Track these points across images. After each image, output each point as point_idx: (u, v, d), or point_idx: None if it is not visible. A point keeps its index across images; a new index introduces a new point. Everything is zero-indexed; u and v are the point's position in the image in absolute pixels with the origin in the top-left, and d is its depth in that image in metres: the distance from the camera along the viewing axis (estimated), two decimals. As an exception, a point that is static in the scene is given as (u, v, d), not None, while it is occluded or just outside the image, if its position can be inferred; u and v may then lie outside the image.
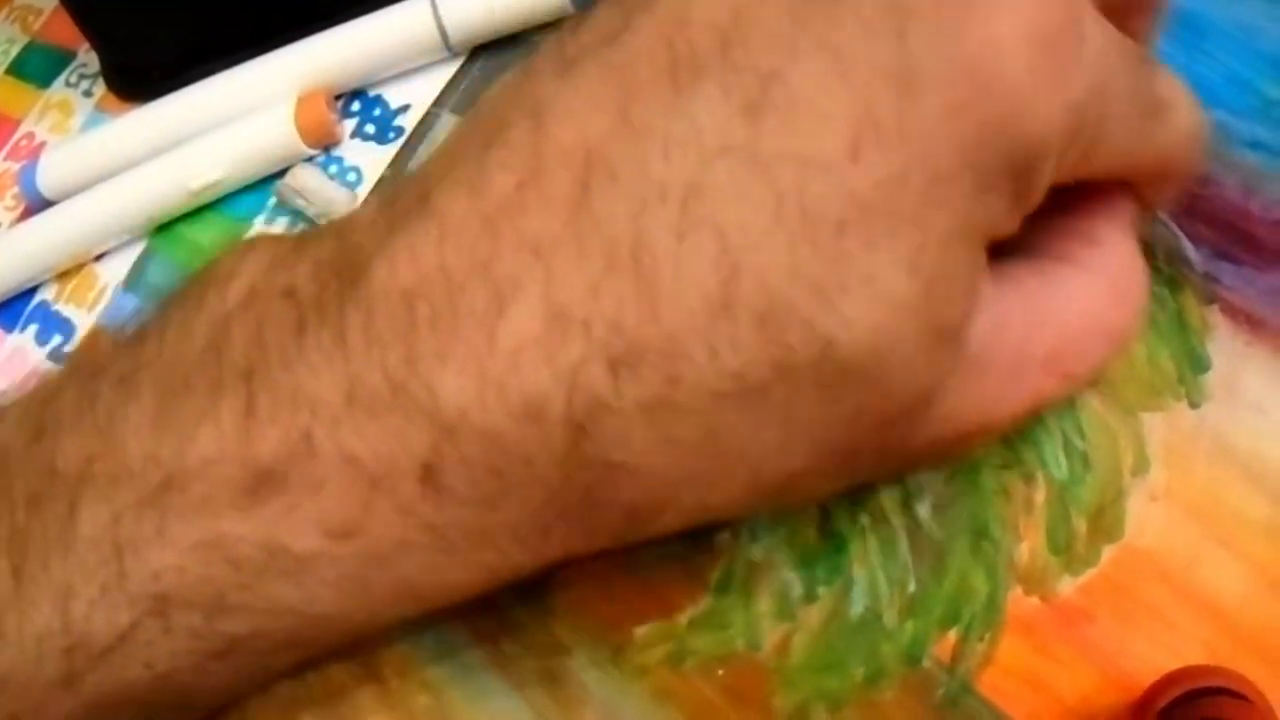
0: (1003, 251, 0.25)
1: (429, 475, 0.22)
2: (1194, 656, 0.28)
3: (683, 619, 0.31)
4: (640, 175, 0.21)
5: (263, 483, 0.23)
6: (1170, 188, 0.28)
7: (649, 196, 0.21)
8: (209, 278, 0.26)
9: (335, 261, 0.24)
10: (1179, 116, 0.26)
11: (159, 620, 0.23)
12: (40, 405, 0.26)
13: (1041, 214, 0.25)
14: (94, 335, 0.26)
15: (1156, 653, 0.29)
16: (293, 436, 0.22)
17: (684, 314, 0.20)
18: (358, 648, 0.27)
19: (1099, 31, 0.22)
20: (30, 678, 0.24)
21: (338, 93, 0.45)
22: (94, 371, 0.26)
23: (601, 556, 0.26)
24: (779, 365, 0.21)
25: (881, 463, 0.25)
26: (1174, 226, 0.33)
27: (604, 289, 0.21)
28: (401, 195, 0.24)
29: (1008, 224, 0.23)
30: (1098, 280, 0.26)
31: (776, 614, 0.30)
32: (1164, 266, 0.32)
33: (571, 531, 0.24)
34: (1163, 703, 0.27)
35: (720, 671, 0.30)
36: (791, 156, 0.20)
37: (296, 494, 0.22)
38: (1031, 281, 0.25)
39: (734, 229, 0.20)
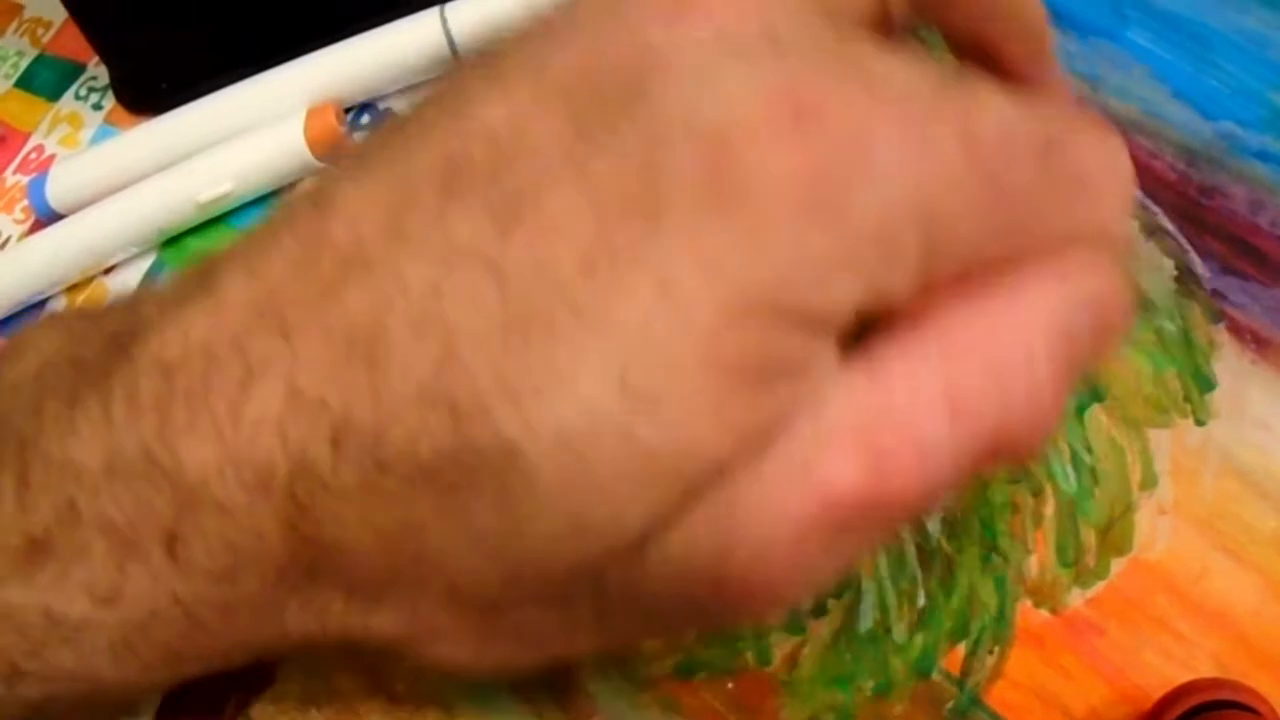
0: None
1: (172, 545, 0.22)
2: (1203, 669, 0.29)
3: (692, 631, 0.30)
4: (392, 273, 0.21)
5: (37, 551, 0.23)
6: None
7: (395, 293, 0.21)
8: (9, 350, 0.26)
9: (120, 333, 0.24)
10: (1111, 185, 0.23)
11: None
12: None
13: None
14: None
15: (1166, 665, 0.29)
16: (60, 505, 0.22)
17: (398, 402, 0.20)
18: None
19: (901, 153, 0.20)
20: None
21: (347, 105, 0.45)
22: None
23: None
24: (464, 465, 0.20)
25: (613, 614, 0.23)
26: (1183, 240, 0.33)
27: (340, 374, 0.21)
28: (196, 270, 0.24)
29: (810, 342, 0.21)
30: (944, 353, 0.22)
31: (786, 627, 0.30)
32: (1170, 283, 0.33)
33: (304, 613, 0.23)
34: (1172, 716, 0.27)
35: (729, 684, 0.30)
36: (527, 265, 0.20)
37: (65, 561, 0.23)
38: (897, 364, 0.22)
39: (460, 329, 0.20)
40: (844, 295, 0.20)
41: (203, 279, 0.23)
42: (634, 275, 0.20)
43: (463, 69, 0.23)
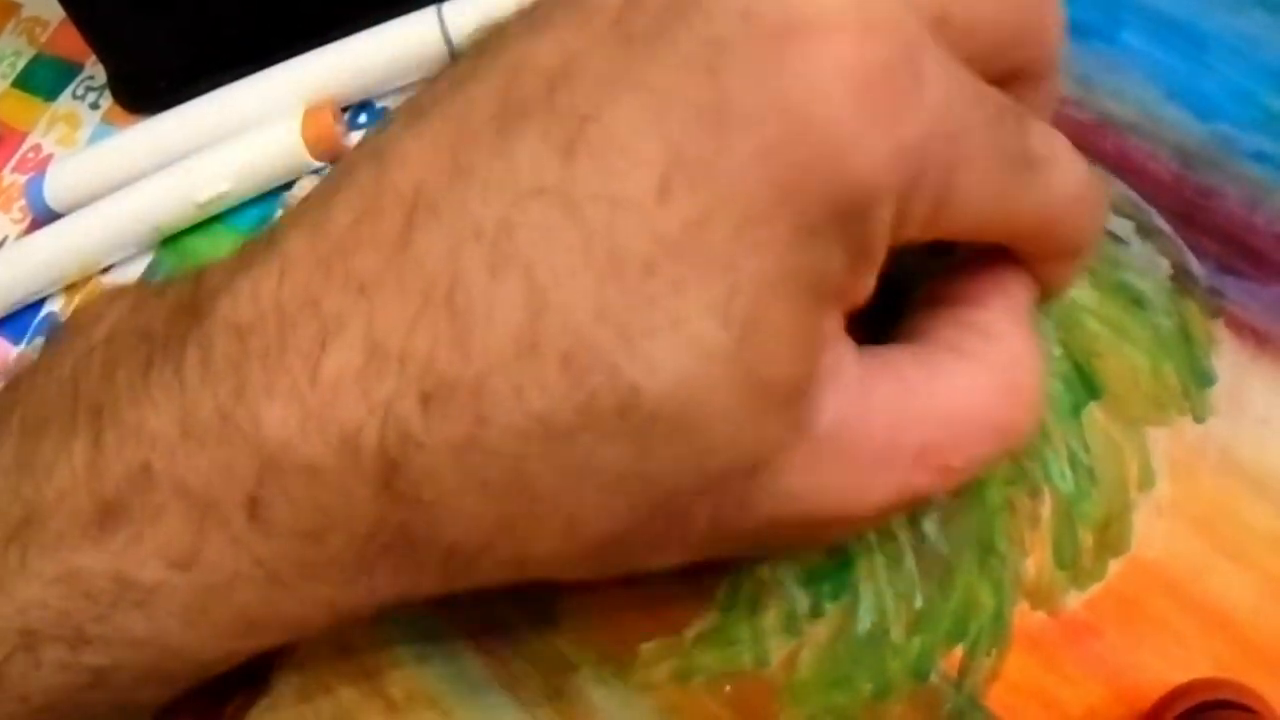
0: (888, 338, 0.25)
1: (255, 507, 0.22)
2: (1202, 669, 0.28)
3: (689, 635, 0.30)
4: (459, 215, 0.21)
5: (109, 515, 0.23)
6: (1063, 264, 0.27)
7: (466, 235, 0.20)
8: (76, 322, 0.26)
9: (188, 303, 0.24)
10: (1058, 175, 0.24)
11: (29, 655, 0.23)
12: None
13: (936, 302, 0.26)
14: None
15: (1164, 666, 0.28)
16: (134, 469, 0.22)
17: (492, 352, 0.20)
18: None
19: (944, 74, 0.21)
20: None
21: (344, 105, 0.44)
22: None
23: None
24: (583, 410, 0.20)
25: (721, 536, 0.24)
26: (1178, 240, 0.33)
27: (420, 325, 0.20)
28: (259, 237, 0.24)
29: (850, 281, 0.22)
30: (985, 373, 0.25)
31: (783, 630, 0.30)
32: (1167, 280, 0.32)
33: (396, 572, 0.23)
34: (1170, 716, 0.27)
35: (727, 688, 0.30)
36: (602, 197, 0.20)
37: (139, 525, 0.22)
38: (912, 370, 0.25)
39: (543, 268, 0.20)
40: (885, 214, 0.21)
41: (269, 242, 0.23)
42: (711, 196, 0.20)
43: (503, 22, 0.23)
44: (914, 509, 0.27)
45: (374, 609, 0.25)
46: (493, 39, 0.23)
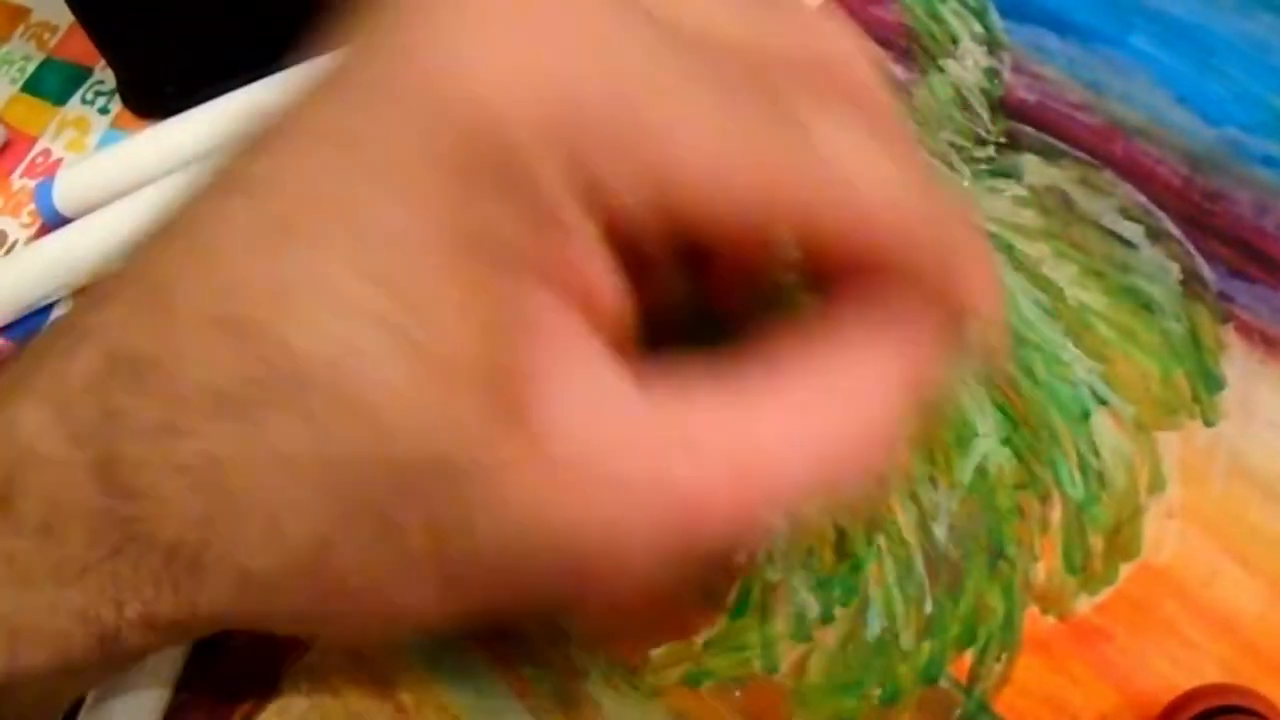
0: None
1: (7, 503, 0.22)
2: (1211, 674, 0.28)
3: (699, 640, 0.30)
4: (178, 217, 0.22)
5: None
6: (951, 280, 0.23)
7: (175, 238, 0.22)
8: None
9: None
10: (855, 166, 0.21)
11: None
12: None
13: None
14: None
15: (1174, 671, 0.28)
16: None
17: (184, 332, 0.21)
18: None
19: (628, 25, 0.21)
20: None
21: None
22: None
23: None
24: (251, 379, 0.20)
25: (451, 562, 0.22)
26: (1188, 244, 0.33)
27: (135, 322, 0.21)
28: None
29: (541, 251, 0.21)
30: (800, 393, 0.22)
31: (793, 635, 0.30)
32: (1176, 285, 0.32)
33: (135, 577, 0.23)
34: None
35: (737, 693, 0.30)
36: (276, 173, 0.21)
37: None
38: (703, 390, 0.22)
39: (223, 249, 0.20)
40: (549, 168, 0.20)
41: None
42: (364, 152, 0.20)
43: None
44: (708, 540, 0.22)
45: (137, 636, 0.24)
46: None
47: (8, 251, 0.46)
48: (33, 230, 0.46)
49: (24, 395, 0.22)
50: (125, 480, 0.21)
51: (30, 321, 0.44)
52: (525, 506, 0.20)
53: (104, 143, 0.48)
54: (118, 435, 0.21)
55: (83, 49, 0.49)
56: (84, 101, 0.50)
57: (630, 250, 0.22)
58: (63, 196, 0.44)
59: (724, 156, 0.20)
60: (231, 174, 0.21)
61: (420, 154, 0.20)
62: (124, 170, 0.44)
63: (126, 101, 0.48)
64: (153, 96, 0.47)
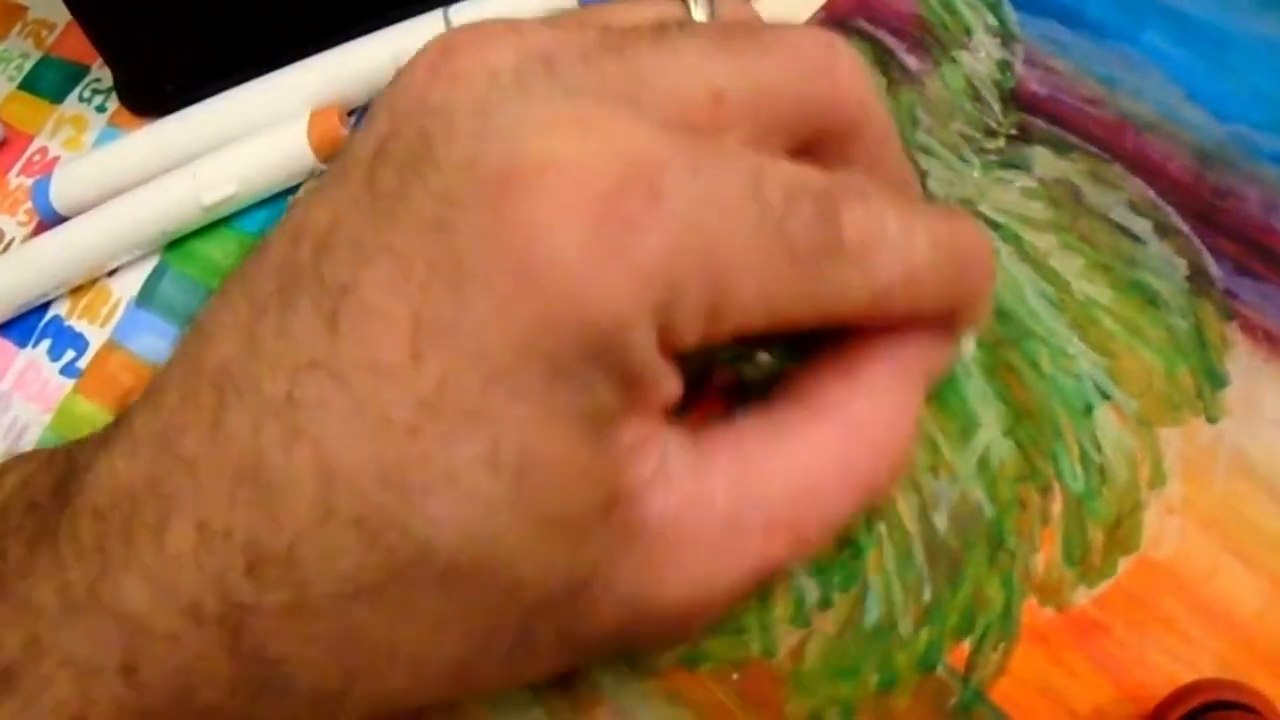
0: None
1: (129, 673, 0.24)
2: (1208, 669, 0.30)
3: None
4: (255, 393, 0.23)
5: (4, 683, 0.25)
6: (948, 326, 0.29)
7: (263, 413, 0.23)
8: None
9: (63, 479, 0.27)
10: (885, 254, 0.25)
11: None
12: None
13: (817, 359, 0.29)
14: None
15: (1171, 665, 0.30)
16: (24, 640, 0.25)
17: (298, 522, 0.23)
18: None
19: (689, 182, 0.23)
20: None
21: (351, 108, 0.46)
22: None
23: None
24: (385, 568, 0.23)
25: (580, 645, 0.26)
26: (1196, 240, 0.35)
27: (237, 502, 0.23)
28: (122, 411, 0.27)
29: (633, 400, 0.24)
30: (836, 429, 0.27)
31: (792, 619, 0.32)
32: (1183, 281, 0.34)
33: (276, 713, 0.25)
34: (1175, 716, 0.28)
35: (735, 676, 0.31)
36: (364, 364, 0.23)
37: (31, 691, 0.25)
38: (754, 442, 0.27)
39: (326, 438, 0.22)
40: (642, 338, 0.23)
41: (125, 417, 0.26)
42: (456, 355, 0.22)
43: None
44: (773, 578, 0.29)
45: None
46: (292, 206, 0.26)
47: (4, 249, 0.48)
48: (29, 228, 0.48)
49: (123, 567, 0.24)
50: (255, 651, 0.24)
51: (28, 320, 0.46)
52: (637, 591, 0.25)
53: (101, 141, 0.50)
54: (244, 615, 0.23)
55: (80, 47, 0.51)
56: (81, 99, 0.51)
57: None
58: (59, 194, 0.46)
59: (785, 292, 0.25)
60: (301, 346, 0.23)
61: (518, 355, 0.22)
62: (121, 168, 0.46)
63: (124, 100, 0.50)
64: (150, 95, 0.49)
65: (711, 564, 0.26)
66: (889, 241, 0.26)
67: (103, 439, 0.26)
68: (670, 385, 0.25)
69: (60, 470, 0.27)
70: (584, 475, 0.24)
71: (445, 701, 0.27)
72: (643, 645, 0.30)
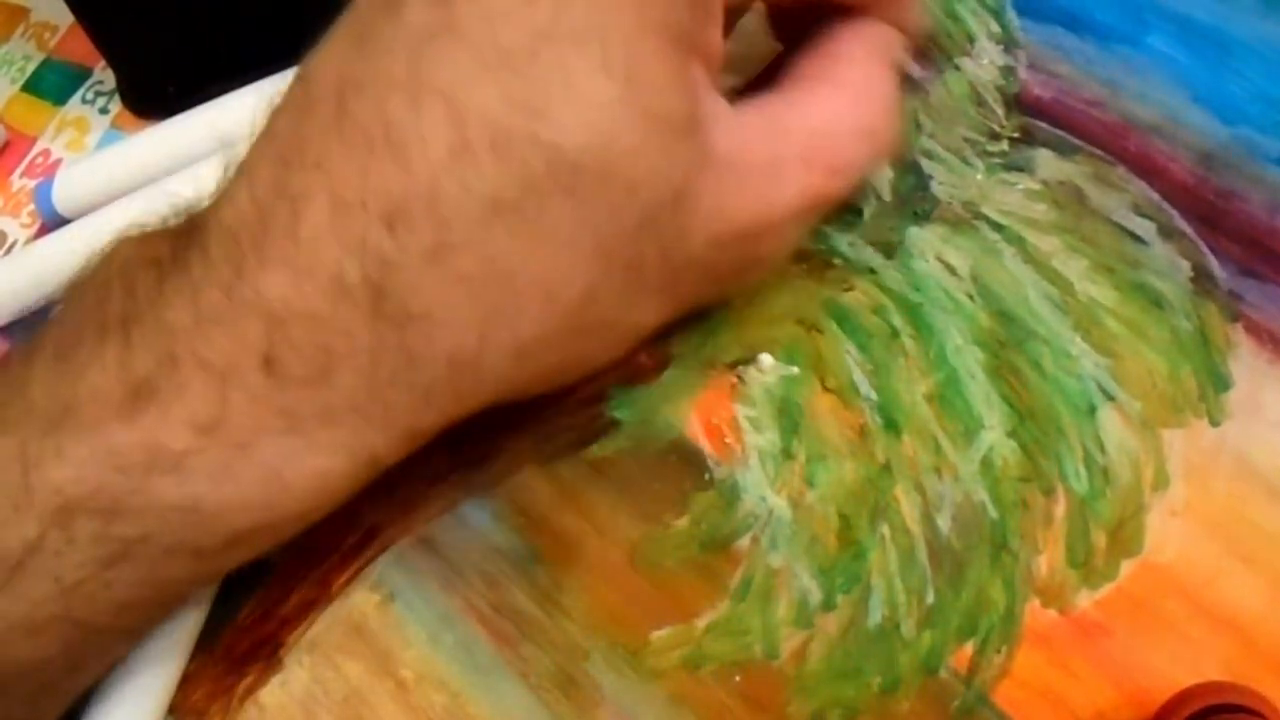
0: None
1: (268, 363, 0.27)
2: (1211, 672, 0.30)
3: (700, 624, 0.32)
4: (375, 75, 0.26)
5: (139, 395, 0.27)
6: (896, 6, 0.34)
7: (386, 88, 0.26)
8: (90, 265, 0.30)
9: (185, 229, 0.29)
10: None
11: (63, 531, 0.27)
12: None
13: (802, 50, 0.34)
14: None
15: (1173, 668, 0.30)
16: (160, 357, 0.27)
17: (435, 164, 0.26)
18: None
19: None
20: None
21: None
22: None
23: (618, 556, 0.29)
24: (522, 180, 0.26)
25: (677, 274, 0.30)
26: (1199, 242, 0.35)
27: (370, 170, 0.26)
28: (230, 170, 0.29)
29: (700, 32, 0.29)
30: (839, 89, 0.33)
31: (794, 621, 0.32)
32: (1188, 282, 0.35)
33: (409, 398, 0.28)
34: (1178, 719, 0.28)
35: (737, 677, 0.32)
36: (478, 16, 0.26)
37: (166, 399, 0.27)
38: (776, 101, 0.32)
39: (453, 87, 0.26)
40: None
41: (237, 171, 0.28)
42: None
43: None
44: (821, 209, 0.32)
45: (396, 454, 0.29)
46: None
47: (7, 251, 0.48)
48: (32, 230, 0.48)
49: (258, 266, 0.26)
50: (398, 310, 0.26)
51: (29, 323, 0.45)
52: (715, 208, 0.29)
53: (104, 143, 0.50)
54: (386, 273, 0.26)
55: (83, 49, 0.51)
56: (84, 101, 0.51)
57: None
58: (62, 197, 0.46)
59: None
60: (418, 25, 0.26)
61: None
62: (124, 170, 0.46)
63: (126, 101, 0.50)
64: (152, 97, 0.49)
65: (765, 188, 0.30)
66: None
67: (218, 194, 0.29)
68: (718, 34, 0.30)
69: (178, 228, 0.30)
70: (676, 83, 0.28)
71: (569, 347, 0.29)
72: (724, 276, 0.33)
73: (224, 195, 0.28)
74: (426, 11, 0.26)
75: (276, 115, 0.28)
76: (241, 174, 0.28)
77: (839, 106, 0.32)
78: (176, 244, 0.28)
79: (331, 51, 0.28)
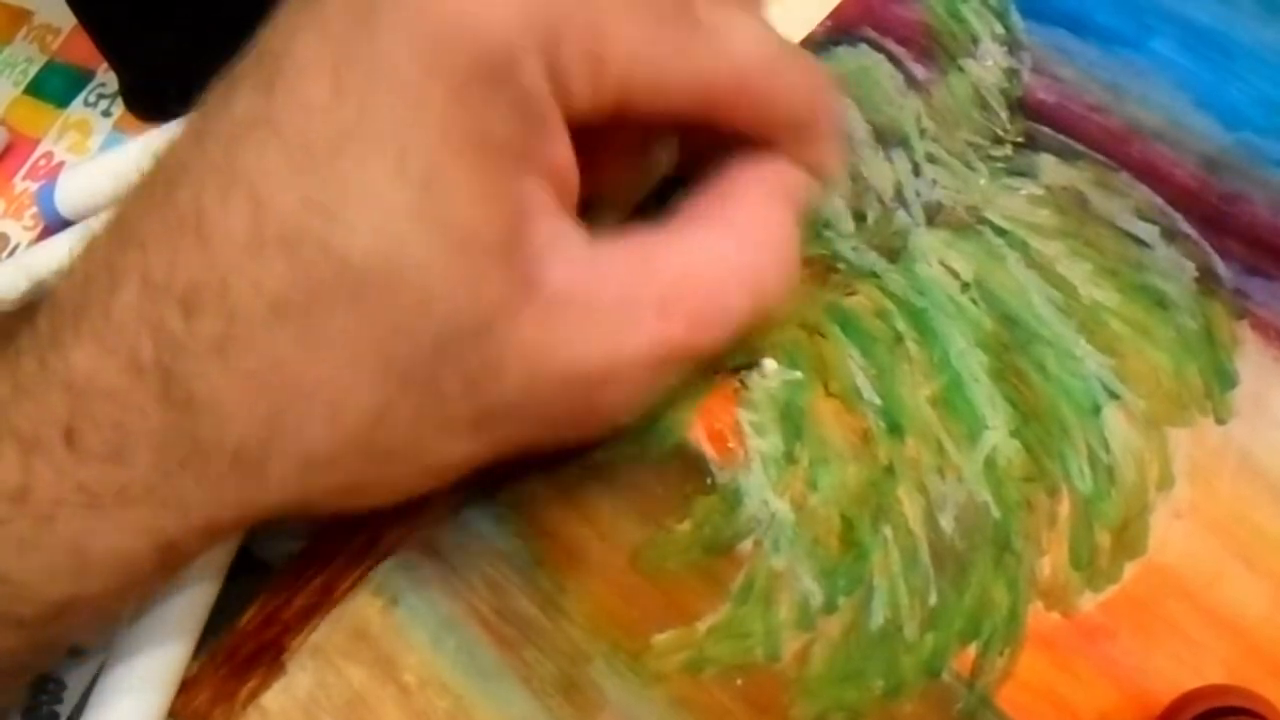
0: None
1: (69, 435, 0.27)
2: (1214, 675, 0.30)
3: (702, 627, 0.33)
4: (201, 164, 0.26)
5: None
6: (803, 145, 0.32)
7: (205, 175, 0.26)
8: None
9: (34, 302, 0.29)
10: (737, 36, 0.29)
11: None
12: None
13: (700, 189, 0.32)
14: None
15: (1176, 670, 0.30)
16: None
17: (231, 255, 0.25)
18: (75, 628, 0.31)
19: None
20: None
21: None
22: None
23: (620, 560, 0.30)
24: (308, 284, 0.25)
25: (488, 409, 0.28)
26: (1204, 243, 0.35)
27: (179, 254, 0.26)
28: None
29: (530, 144, 0.27)
30: (724, 231, 0.31)
31: (796, 624, 0.32)
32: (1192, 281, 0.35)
33: (202, 490, 0.28)
34: None
35: (739, 680, 0.32)
36: (294, 108, 0.26)
37: None
38: (651, 238, 0.30)
39: (259, 180, 0.25)
40: (531, 69, 0.27)
41: (84, 236, 0.28)
42: (370, 81, 0.26)
43: None
44: (683, 363, 0.30)
45: (193, 542, 0.29)
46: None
47: (9, 254, 0.48)
48: (35, 233, 0.48)
49: (73, 339, 0.26)
50: (185, 395, 0.26)
51: None
52: (540, 348, 0.28)
53: (106, 145, 0.50)
54: (176, 357, 0.26)
55: (85, 52, 0.52)
56: (86, 104, 0.52)
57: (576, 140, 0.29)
58: (65, 199, 0.46)
59: (646, 45, 0.28)
60: (241, 115, 0.26)
61: (424, 71, 0.26)
62: (126, 173, 0.42)
63: (129, 104, 0.51)
64: (155, 99, 0.50)
65: (609, 335, 0.29)
66: (743, 27, 0.30)
67: (67, 265, 0.29)
68: (563, 150, 0.28)
69: (28, 300, 0.31)
70: (484, 197, 0.26)
71: (358, 467, 0.28)
72: (553, 424, 0.31)
73: (67, 268, 0.28)
74: (250, 99, 0.26)
75: (129, 192, 0.28)
76: (85, 247, 0.28)
77: (722, 250, 0.30)
78: (21, 315, 0.29)
79: (179, 133, 0.28)
